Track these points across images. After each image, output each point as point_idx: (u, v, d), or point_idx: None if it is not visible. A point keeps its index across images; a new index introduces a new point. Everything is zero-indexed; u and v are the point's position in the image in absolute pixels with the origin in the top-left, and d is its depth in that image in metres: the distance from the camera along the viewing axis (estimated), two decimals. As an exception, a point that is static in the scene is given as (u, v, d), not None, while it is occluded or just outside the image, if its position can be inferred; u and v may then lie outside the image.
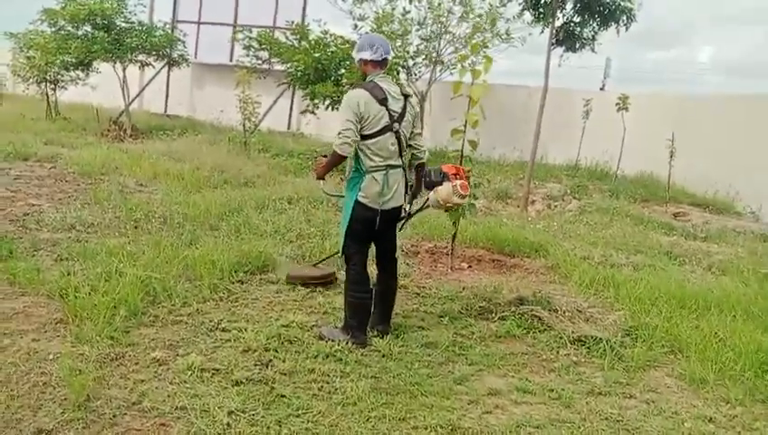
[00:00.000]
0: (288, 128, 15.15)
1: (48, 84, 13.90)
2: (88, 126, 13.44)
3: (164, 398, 2.93)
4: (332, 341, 3.73)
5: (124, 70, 13.01)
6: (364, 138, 3.66)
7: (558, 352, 3.91)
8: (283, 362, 3.42)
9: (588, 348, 3.96)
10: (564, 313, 4.36)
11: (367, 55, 3.80)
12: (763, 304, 4.82)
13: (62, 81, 13.89)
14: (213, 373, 3.21)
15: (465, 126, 5.61)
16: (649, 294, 4.81)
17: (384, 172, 3.75)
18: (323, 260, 5.14)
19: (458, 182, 3.85)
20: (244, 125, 11.74)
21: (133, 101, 14.53)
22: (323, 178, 3.99)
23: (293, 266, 5.13)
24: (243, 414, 2.84)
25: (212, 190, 8.02)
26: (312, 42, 9.76)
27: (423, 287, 5.06)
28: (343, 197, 4.04)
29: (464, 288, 5.04)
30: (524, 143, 11.64)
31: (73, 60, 12.48)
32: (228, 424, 2.74)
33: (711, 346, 3.91)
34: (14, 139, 10.78)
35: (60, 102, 14.75)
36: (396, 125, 3.75)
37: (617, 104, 10.84)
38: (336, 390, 3.17)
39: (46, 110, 14.16)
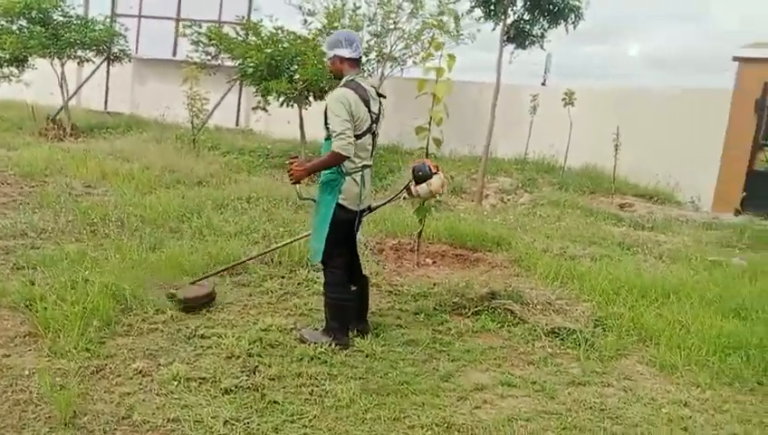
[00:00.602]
0: (236, 124, 14.85)
1: (-22, 81, 13.10)
2: (23, 125, 12.79)
3: (153, 410, 2.85)
4: (314, 344, 3.72)
5: (62, 66, 12.43)
6: None
7: (534, 345, 4.03)
8: (269, 367, 3.38)
9: (561, 339, 4.09)
10: (536, 305, 4.49)
11: (346, 53, 3.72)
12: (715, 290, 5.11)
13: (-6, 77, 13.12)
14: (200, 382, 3.14)
15: (429, 124, 5.68)
16: (612, 285, 5.00)
17: (361, 173, 3.76)
18: (206, 277, 4.60)
19: (441, 175, 3.94)
20: (192, 122, 11.43)
21: (71, 97, 13.90)
22: (299, 182, 3.77)
23: (181, 289, 4.35)
24: (238, 423, 2.80)
25: (165, 191, 7.79)
26: (265, 37, 9.60)
27: (395, 285, 5.09)
28: (314, 200, 3.96)
29: (434, 284, 5.11)
30: (475, 138, 11.82)
31: (7, 55, 11.82)
32: (225, 434, 2.70)
33: (676, 333, 4.12)
34: (-55, 139, 10.20)
35: (-9, 100, 13.99)
36: (374, 126, 3.77)
37: (563, 99, 11.13)
38: (327, 393, 3.16)
39: (-24, 108, 13.39)
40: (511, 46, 9.75)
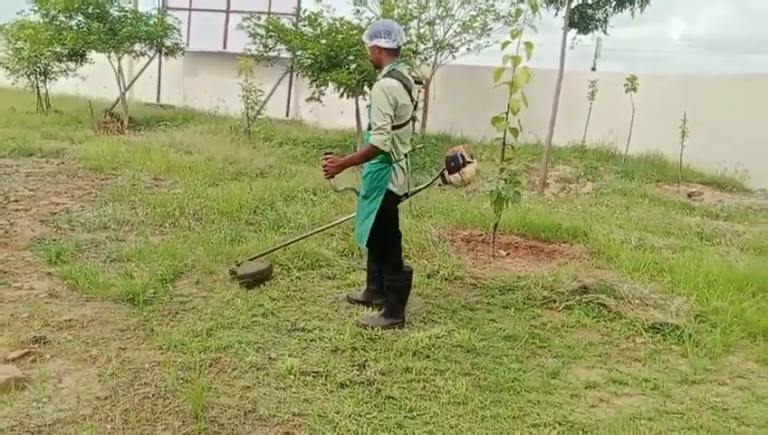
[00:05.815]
0: (287, 115, 14.92)
1: (38, 76, 13.42)
2: (82, 118, 13.06)
3: (276, 404, 2.86)
4: (378, 327, 3.81)
5: (119, 60, 12.64)
6: (395, 128, 3.67)
7: (635, 341, 3.93)
8: (377, 361, 3.37)
9: (663, 335, 3.98)
10: (631, 300, 4.37)
11: (384, 43, 3.75)
12: (814, 284, 4.89)
13: (53, 72, 13.42)
14: (314, 376, 3.15)
15: (507, 113, 5.61)
16: (705, 278, 4.84)
17: (405, 160, 3.88)
18: (263, 255, 4.76)
19: (474, 163, 3.99)
20: (247, 114, 11.52)
21: (126, 90, 14.14)
22: (333, 177, 3.82)
23: (238, 267, 4.54)
24: (360, 418, 2.80)
25: (230, 182, 7.86)
26: (325, 29, 9.56)
27: (477, 278, 5.02)
28: (353, 189, 4.13)
29: (518, 277, 5.03)
30: (528, 126, 11.55)
31: (66, 50, 12.07)
32: (352, 429, 2.69)
33: (784, 329, 3.96)
34: (11, 133, 10.47)
35: (50, 95, 14.30)
36: (414, 112, 3.86)
37: (625, 85, 10.84)
38: (439, 389, 3.13)
39: (37, 103, 13.71)
40: (573, 32, 9.51)
